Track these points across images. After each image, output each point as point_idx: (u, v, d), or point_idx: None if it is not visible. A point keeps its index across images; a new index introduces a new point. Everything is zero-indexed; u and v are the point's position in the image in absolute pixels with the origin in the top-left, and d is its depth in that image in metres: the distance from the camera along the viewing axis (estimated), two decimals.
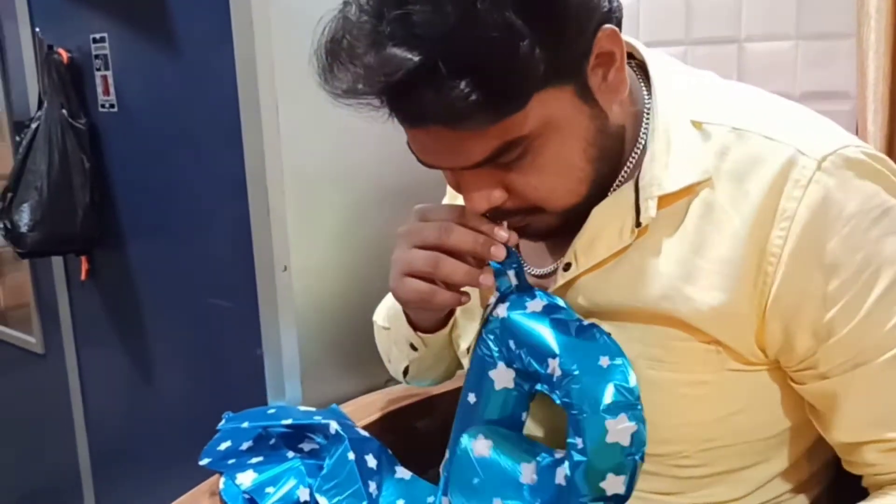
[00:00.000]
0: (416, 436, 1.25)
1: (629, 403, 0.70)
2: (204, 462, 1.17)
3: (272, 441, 1.20)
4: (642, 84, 0.80)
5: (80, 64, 1.63)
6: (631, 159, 0.78)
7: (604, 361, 0.72)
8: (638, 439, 0.69)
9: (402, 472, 1.04)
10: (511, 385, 0.76)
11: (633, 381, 0.71)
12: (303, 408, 1.25)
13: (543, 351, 0.74)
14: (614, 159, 0.77)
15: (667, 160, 0.74)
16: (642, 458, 0.70)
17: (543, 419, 0.83)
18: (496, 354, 0.76)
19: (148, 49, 1.47)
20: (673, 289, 0.73)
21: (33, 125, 1.62)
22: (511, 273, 0.77)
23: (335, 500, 1.04)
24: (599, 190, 0.77)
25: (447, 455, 0.80)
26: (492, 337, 0.77)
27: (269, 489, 1.10)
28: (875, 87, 1.17)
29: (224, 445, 1.19)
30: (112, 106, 1.59)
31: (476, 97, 0.61)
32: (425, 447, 1.04)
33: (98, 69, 1.59)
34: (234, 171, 1.31)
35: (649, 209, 0.74)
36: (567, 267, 0.80)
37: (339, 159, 1.31)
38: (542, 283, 0.83)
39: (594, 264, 0.78)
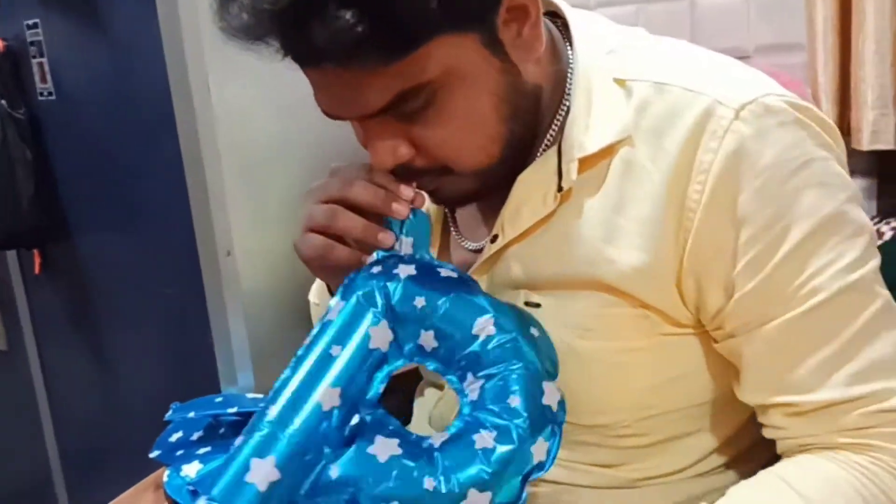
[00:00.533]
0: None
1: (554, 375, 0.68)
2: (154, 454, 1.14)
3: (222, 430, 1.17)
4: (568, 45, 0.77)
5: (16, 52, 1.58)
6: (555, 122, 0.75)
7: (534, 332, 0.69)
8: (562, 407, 0.67)
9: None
10: (385, 348, 0.68)
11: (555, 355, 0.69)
12: (251, 395, 1.22)
13: (469, 307, 0.69)
14: (531, 121, 0.73)
15: (587, 121, 0.71)
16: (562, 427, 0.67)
17: None
18: (381, 310, 0.68)
19: (78, 33, 1.43)
20: (595, 252, 0.71)
21: None
22: (407, 240, 0.72)
23: None
24: (518, 153, 0.73)
25: (281, 409, 0.67)
26: (385, 291, 0.69)
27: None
28: (824, 37, 1.13)
29: (175, 437, 1.15)
30: (50, 94, 1.54)
31: (362, 29, 0.57)
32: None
33: (34, 56, 1.54)
34: (170, 155, 1.27)
35: (570, 172, 0.71)
36: (494, 239, 0.77)
37: (281, 136, 1.27)
38: (474, 258, 0.80)
39: (520, 233, 0.75)
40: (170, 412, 1.19)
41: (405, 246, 0.72)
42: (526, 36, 0.68)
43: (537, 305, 0.74)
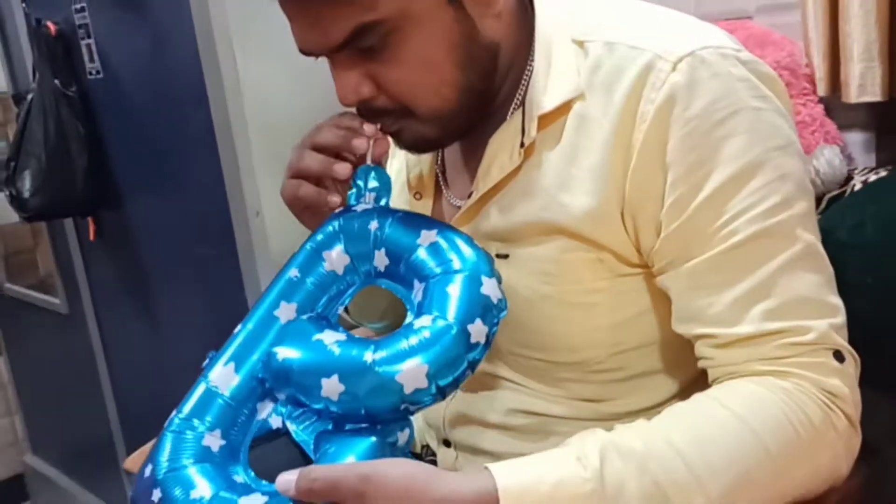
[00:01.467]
0: None
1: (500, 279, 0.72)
2: None
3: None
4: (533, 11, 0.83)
5: (67, 35, 1.71)
6: (522, 84, 0.81)
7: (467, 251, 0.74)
8: (502, 303, 0.71)
9: None
10: (341, 271, 0.76)
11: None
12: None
13: (416, 224, 0.74)
14: (489, 73, 0.78)
15: (546, 81, 0.78)
16: (498, 323, 0.71)
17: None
18: (339, 237, 0.76)
19: (120, 15, 1.54)
20: (551, 198, 0.76)
21: (29, 97, 1.71)
22: (371, 195, 0.78)
23: (303, 425, 1.11)
24: (477, 105, 0.78)
25: (245, 324, 0.75)
26: (343, 219, 0.77)
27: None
28: None
29: None
30: (98, 73, 1.66)
31: None
32: None
33: (83, 38, 1.66)
34: (202, 126, 1.38)
35: (531, 130, 0.77)
36: (471, 195, 0.84)
37: (301, 106, 1.37)
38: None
39: (491, 188, 0.81)
40: (206, 360, 1.31)
41: (369, 200, 0.78)
42: None
43: (506, 256, 0.81)
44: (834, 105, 1.23)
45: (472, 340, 0.68)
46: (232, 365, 0.72)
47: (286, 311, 0.73)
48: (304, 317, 0.74)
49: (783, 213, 0.70)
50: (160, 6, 1.44)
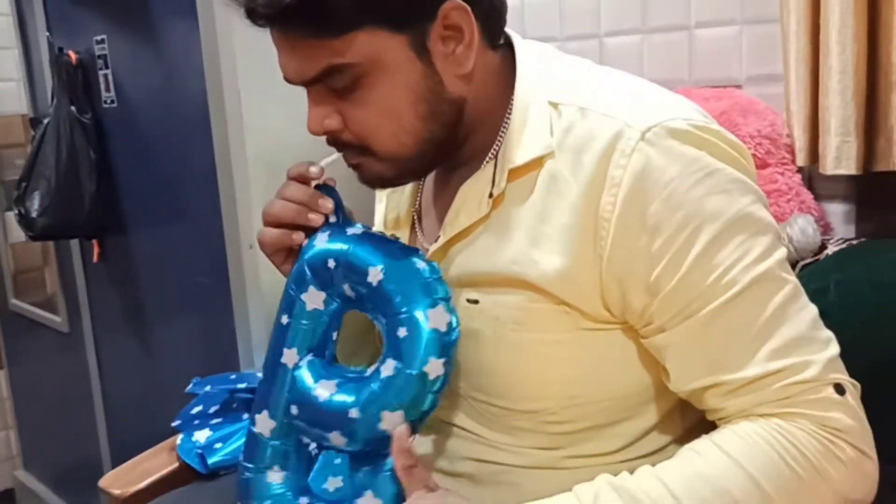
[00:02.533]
0: None
1: (445, 299, 0.80)
2: (176, 424, 1.29)
3: (235, 405, 1.32)
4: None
5: (86, 64, 1.78)
6: (499, 139, 0.85)
7: (420, 264, 0.81)
8: (451, 327, 0.79)
9: None
10: (321, 306, 0.84)
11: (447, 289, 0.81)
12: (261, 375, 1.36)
13: (364, 262, 0.81)
14: (449, 126, 0.82)
15: (520, 137, 0.81)
16: (455, 343, 0.80)
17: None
18: (308, 279, 0.84)
19: (136, 49, 1.61)
20: (522, 254, 0.79)
21: (45, 120, 1.77)
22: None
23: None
24: (438, 154, 0.83)
25: (264, 374, 0.88)
26: (307, 263, 0.85)
27: (218, 445, 1.22)
28: (797, 70, 1.21)
29: (196, 409, 1.31)
30: (113, 101, 1.73)
31: (291, 1, 0.71)
32: None
33: (100, 68, 1.73)
34: (205, 160, 1.43)
35: (500, 181, 0.81)
36: (437, 240, 0.88)
37: (300, 146, 1.40)
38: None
39: (458, 234, 0.85)
40: (190, 385, 1.34)
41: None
42: (458, 54, 0.79)
43: (476, 302, 0.84)
44: (818, 176, 1.27)
45: (432, 377, 0.78)
46: (266, 413, 0.85)
47: (290, 357, 0.84)
48: (306, 363, 0.84)
49: (769, 260, 0.74)
50: (173, 42, 1.50)
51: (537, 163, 0.80)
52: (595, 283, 0.77)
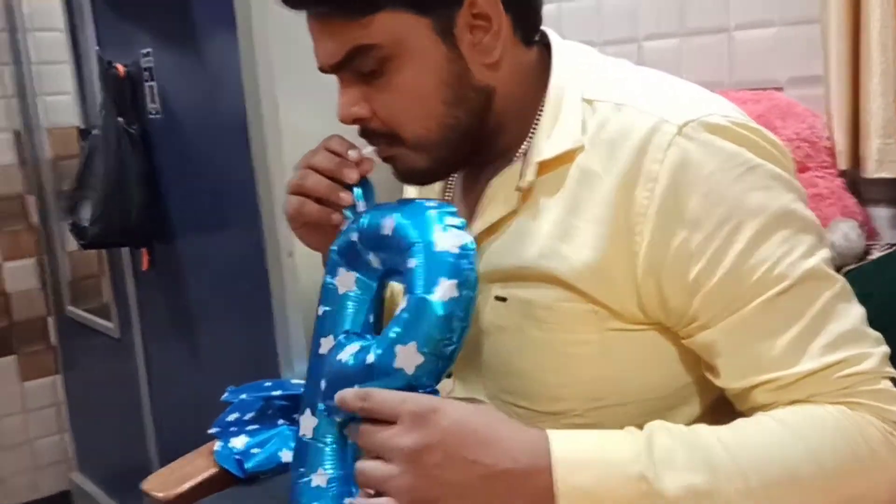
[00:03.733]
0: None
1: (458, 227, 0.77)
2: (212, 431, 1.32)
3: (270, 412, 1.34)
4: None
5: (133, 76, 1.83)
6: (530, 134, 0.85)
7: (428, 202, 0.79)
8: (465, 249, 0.76)
9: None
10: (354, 288, 0.83)
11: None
12: (296, 381, 1.38)
13: (378, 218, 0.80)
14: (477, 114, 0.82)
15: (551, 132, 0.82)
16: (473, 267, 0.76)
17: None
18: (336, 261, 0.83)
19: (181, 61, 1.65)
20: (550, 248, 0.78)
21: (94, 132, 1.83)
22: (361, 203, 0.85)
23: None
24: (467, 143, 0.83)
25: (307, 374, 0.85)
26: (334, 247, 0.84)
27: (256, 450, 1.24)
28: (837, 72, 1.19)
29: (232, 416, 1.34)
30: (158, 113, 1.78)
31: None
32: None
33: (146, 80, 1.78)
34: (245, 169, 1.46)
35: (528, 174, 0.81)
36: None
37: None
38: None
39: (486, 228, 0.85)
40: (225, 394, 1.37)
41: (361, 208, 0.85)
42: (486, 43, 0.80)
43: (503, 300, 0.83)
44: (862, 180, 1.24)
45: (445, 299, 0.73)
46: (308, 412, 0.82)
47: (326, 345, 0.82)
48: (338, 342, 0.82)
49: (815, 257, 0.73)
50: (215, 54, 1.54)
51: (568, 157, 0.80)
52: (629, 280, 0.76)
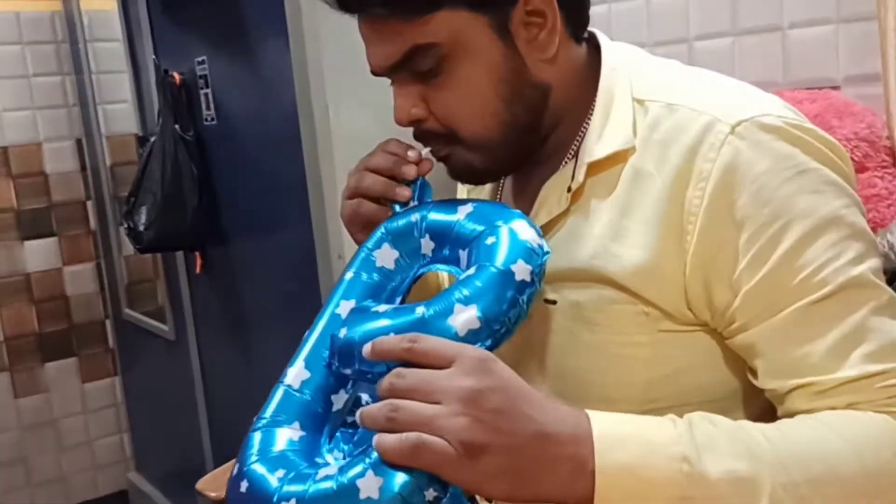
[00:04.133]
0: None
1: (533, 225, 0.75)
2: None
3: None
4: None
5: (189, 84, 1.87)
6: (579, 135, 0.84)
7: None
8: (541, 247, 0.74)
9: None
10: (391, 265, 0.81)
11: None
12: None
13: (451, 205, 0.79)
14: (534, 111, 0.82)
15: (601, 132, 0.81)
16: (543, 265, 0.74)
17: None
18: (383, 236, 0.81)
19: (234, 68, 1.68)
20: (602, 248, 0.78)
21: (152, 139, 1.87)
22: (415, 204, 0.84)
23: None
24: (523, 141, 0.83)
25: (311, 328, 0.80)
26: (386, 224, 0.82)
27: None
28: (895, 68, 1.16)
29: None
30: (213, 119, 1.81)
31: None
32: None
33: (201, 87, 1.82)
34: (297, 173, 1.48)
35: (579, 175, 0.81)
36: None
37: None
38: None
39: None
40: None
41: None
42: (541, 39, 0.80)
43: (554, 302, 0.83)
44: None
45: (518, 279, 0.70)
46: (302, 363, 0.75)
47: (346, 308, 0.77)
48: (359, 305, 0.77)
49: (863, 266, 0.71)
50: (267, 60, 1.56)
51: (620, 157, 0.79)
52: (678, 279, 0.76)
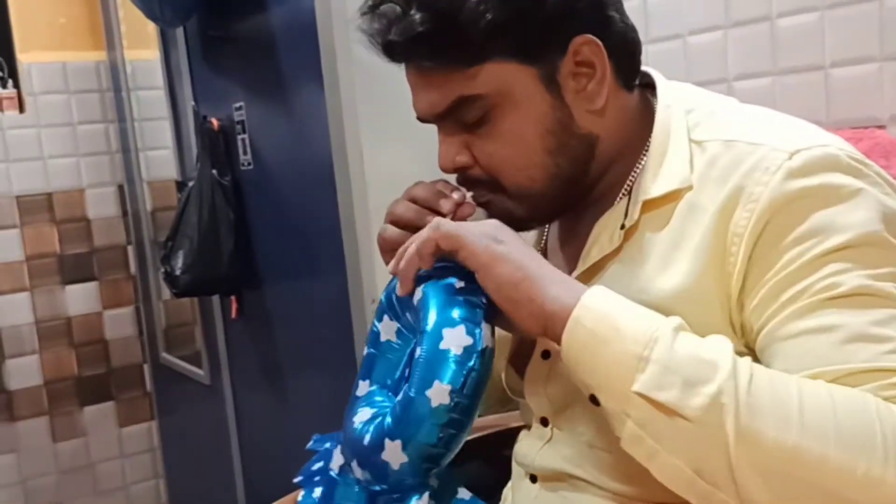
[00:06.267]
0: (493, 463, 1.30)
1: (471, 320, 0.73)
2: (297, 480, 1.31)
3: None
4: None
5: (227, 129, 1.89)
6: (633, 174, 0.83)
7: (458, 284, 0.75)
8: (469, 351, 0.71)
9: (464, 493, 1.10)
10: (393, 338, 0.82)
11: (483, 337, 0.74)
12: None
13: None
14: (580, 162, 0.81)
15: (658, 171, 0.80)
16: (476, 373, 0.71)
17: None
18: (384, 307, 0.82)
19: (271, 113, 1.70)
20: (650, 282, 0.77)
21: (190, 184, 1.89)
22: None
23: None
24: (569, 192, 0.82)
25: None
26: (386, 291, 0.82)
27: None
28: None
29: (317, 466, 1.32)
30: (249, 164, 1.82)
31: (424, 29, 0.74)
32: (499, 475, 1.08)
33: (238, 133, 1.83)
34: (331, 218, 1.48)
35: (633, 213, 0.80)
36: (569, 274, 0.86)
37: None
38: None
39: (588, 267, 0.83)
40: (311, 442, 1.36)
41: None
42: (590, 90, 0.79)
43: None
44: None
45: (433, 405, 0.70)
46: (340, 449, 0.84)
47: (363, 390, 0.82)
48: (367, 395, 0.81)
49: (892, 283, 0.68)
50: (303, 105, 1.57)
51: (675, 195, 0.78)
52: (723, 301, 0.74)
